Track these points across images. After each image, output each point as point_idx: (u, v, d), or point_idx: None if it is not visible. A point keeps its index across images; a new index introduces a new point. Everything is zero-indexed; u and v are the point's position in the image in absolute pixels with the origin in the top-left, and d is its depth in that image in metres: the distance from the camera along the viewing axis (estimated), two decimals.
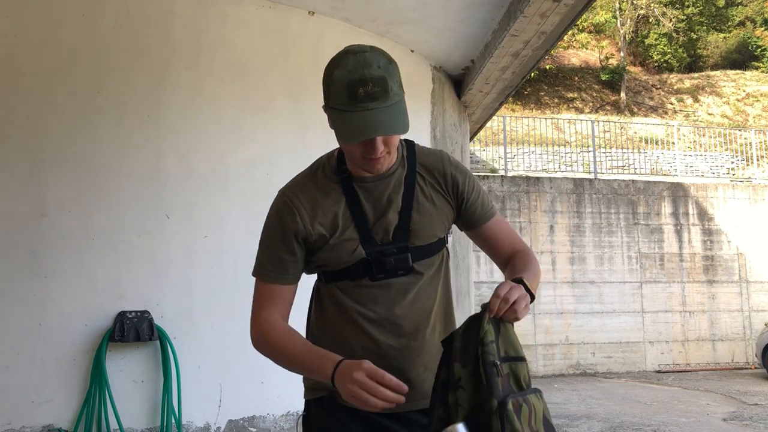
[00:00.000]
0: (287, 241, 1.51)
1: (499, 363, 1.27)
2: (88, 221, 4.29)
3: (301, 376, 1.58)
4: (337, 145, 1.53)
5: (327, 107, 1.44)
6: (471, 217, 1.60)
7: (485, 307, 1.34)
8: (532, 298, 1.39)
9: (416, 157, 1.57)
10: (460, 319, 1.47)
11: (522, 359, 1.35)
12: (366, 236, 1.49)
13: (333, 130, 1.43)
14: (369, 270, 1.49)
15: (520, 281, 1.38)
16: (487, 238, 1.64)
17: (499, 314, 1.31)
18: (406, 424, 1.50)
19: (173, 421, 4.30)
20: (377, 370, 1.30)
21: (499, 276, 11.02)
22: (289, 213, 1.50)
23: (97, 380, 4.15)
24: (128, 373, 4.29)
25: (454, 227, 1.65)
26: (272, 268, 1.54)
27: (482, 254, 11.00)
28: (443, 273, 1.59)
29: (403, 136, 1.54)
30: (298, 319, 1.64)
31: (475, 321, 1.33)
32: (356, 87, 1.35)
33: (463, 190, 1.57)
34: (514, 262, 1.58)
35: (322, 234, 1.49)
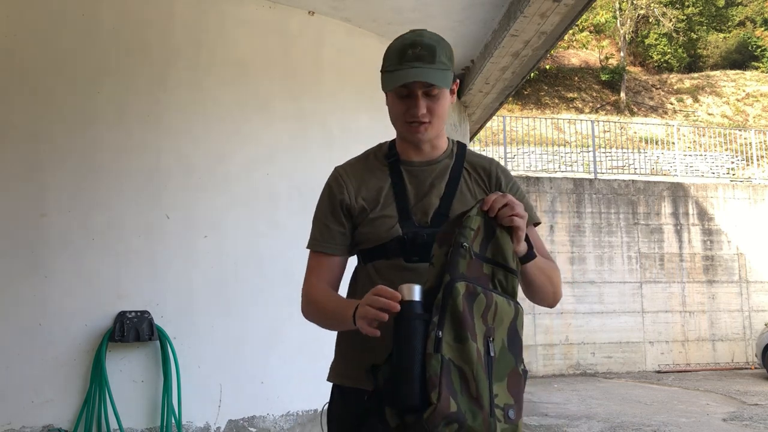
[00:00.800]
0: (335, 212, 1.59)
1: (468, 246, 1.29)
2: (88, 221, 4.29)
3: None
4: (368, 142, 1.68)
5: (382, 72, 1.55)
6: None
7: (481, 200, 1.37)
8: (531, 258, 1.43)
9: (466, 154, 1.66)
10: None
11: (509, 270, 1.36)
12: (405, 215, 1.54)
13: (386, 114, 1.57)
14: (404, 249, 1.52)
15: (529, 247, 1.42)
16: None
17: (494, 209, 1.34)
18: None
19: (173, 421, 4.30)
20: (379, 286, 1.32)
21: None
22: (337, 186, 1.61)
23: (97, 380, 4.15)
24: (128, 373, 4.29)
25: None
26: (322, 238, 1.61)
27: None
28: None
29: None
30: None
31: (467, 211, 1.36)
32: (406, 48, 1.48)
33: (504, 190, 1.61)
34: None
35: (363, 207, 1.57)
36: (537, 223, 1.63)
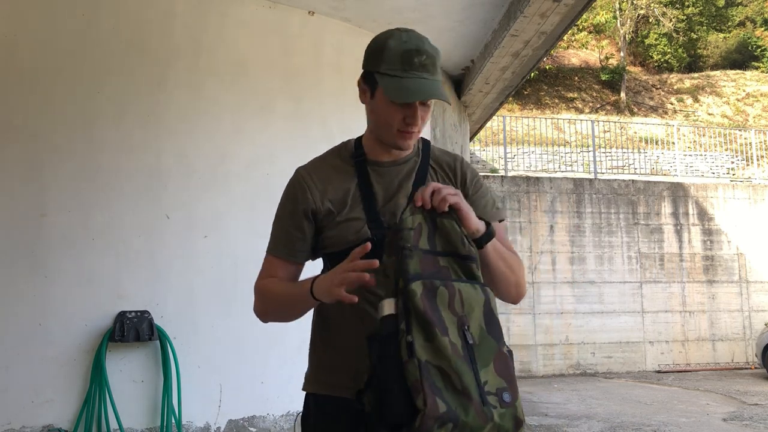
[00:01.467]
0: (296, 216, 1.55)
1: (410, 246, 1.28)
2: (88, 221, 4.29)
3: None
4: (345, 138, 1.61)
5: (375, 74, 1.49)
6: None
7: (410, 200, 1.37)
8: (489, 236, 1.42)
9: (430, 151, 1.64)
10: None
11: (461, 257, 1.33)
12: (373, 217, 1.50)
13: (376, 99, 1.51)
14: (374, 251, 1.44)
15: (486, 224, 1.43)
16: None
17: (426, 201, 1.33)
18: None
19: (173, 421, 4.30)
20: (355, 251, 1.34)
21: None
22: (300, 189, 1.55)
23: (97, 380, 4.15)
24: (128, 373, 4.29)
25: None
26: (280, 242, 1.58)
27: None
28: None
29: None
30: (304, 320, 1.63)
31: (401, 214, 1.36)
32: (412, 56, 1.45)
33: (468, 186, 1.60)
34: None
35: (330, 210, 1.52)
36: (501, 220, 1.62)
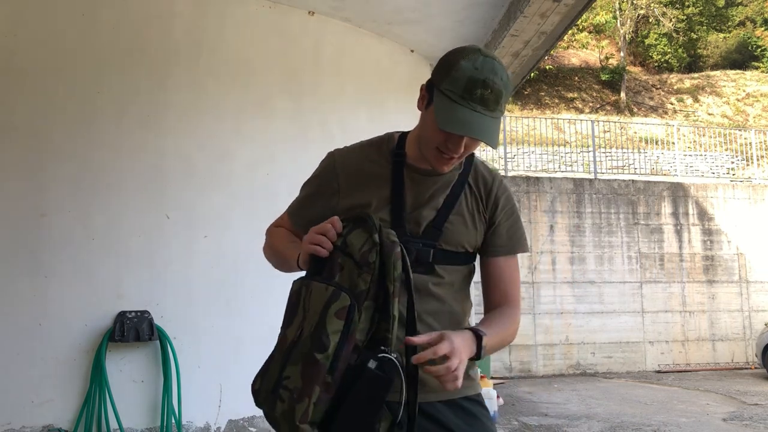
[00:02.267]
0: (314, 197, 1.60)
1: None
2: (88, 221, 4.30)
3: None
4: (343, 141, 1.63)
5: (435, 88, 1.43)
6: (491, 243, 1.57)
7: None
8: (478, 357, 1.37)
9: (472, 167, 1.58)
10: None
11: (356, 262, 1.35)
12: (398, 223, 1.47)
13: (424, 114, 1.48)
14: None
15: (477, 335, 1.37)
16: (490, 274, 1.59)
17: (434, 372, 1.26)
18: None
19: (173, 421, 4.30)
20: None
21: None
22: (327, 176, 1.58)
23: (97, 380, 4.15)
24: (128, 373, 4.29)
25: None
26: (295, 208, 1.66)
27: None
28: (463, 289, 1.56)
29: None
30: None
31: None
32: (477, 86, 1.37)
33: (499, 213, 1.57)
34: (494, 313, 1.55)
35: (352, 205, 1.50)
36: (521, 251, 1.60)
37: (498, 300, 1.58)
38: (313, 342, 1.28)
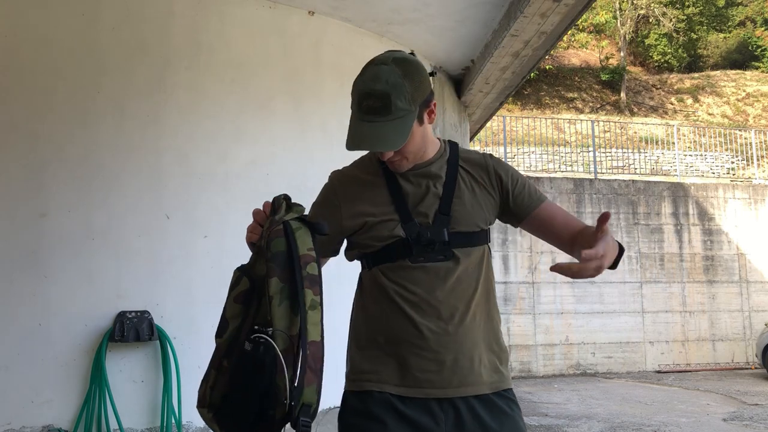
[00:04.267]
0: (319, 217, 1.60)
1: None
2: (88, 221, 4.29)
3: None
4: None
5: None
6: (521, 207, 1.63)
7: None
8: (614, 266, 1.45)
9: (459, 154, 1.64)
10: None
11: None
12: (406, 217, 1.53)
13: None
14: (408, 249, 1.52)
15: (621, 247, 1.48)
16: (543, 221, 1.63)
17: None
18: (445, 411, 1.48)
19: (173, 421, 4.30)
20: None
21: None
22: (330, 201, 1.61)
23: (97, 380, 4.14)
24: (128, 373, 4.29)
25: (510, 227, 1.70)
26: None
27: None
28: (485, 268, 1.60)
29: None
30: (343, 315, 1.68)
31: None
32: (363, 98, 1.44)
33: (507, 183, 1.62)
34: (584, 232, 1.56)
35: (359, 224, 1.55)
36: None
37: (570, 230, 1.60)
38: (218, 327, 1.41)
